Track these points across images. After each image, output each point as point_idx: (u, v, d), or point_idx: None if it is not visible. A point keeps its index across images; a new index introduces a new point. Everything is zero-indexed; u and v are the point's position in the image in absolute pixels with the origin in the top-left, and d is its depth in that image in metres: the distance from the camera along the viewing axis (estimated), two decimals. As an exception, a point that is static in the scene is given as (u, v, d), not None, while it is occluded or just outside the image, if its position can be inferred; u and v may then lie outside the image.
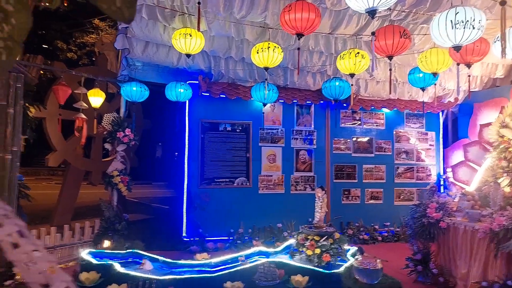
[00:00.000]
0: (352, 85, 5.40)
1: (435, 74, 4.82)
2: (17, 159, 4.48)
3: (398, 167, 7.72)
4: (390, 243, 7.10)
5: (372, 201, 7.53)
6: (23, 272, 0.49)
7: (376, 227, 7.30)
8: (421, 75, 5.32)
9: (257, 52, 4.82)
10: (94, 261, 3.39)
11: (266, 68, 4.98)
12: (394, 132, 7.75)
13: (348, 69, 4.98)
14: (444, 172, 7.77)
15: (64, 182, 8.04)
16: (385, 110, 7.59)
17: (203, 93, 6.34)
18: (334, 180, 7.33)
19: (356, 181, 7.44)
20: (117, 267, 3.27)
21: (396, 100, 7.51)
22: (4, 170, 4.31)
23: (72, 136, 7.34)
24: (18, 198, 4.72)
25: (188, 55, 4.96)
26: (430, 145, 7.96)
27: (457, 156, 7.35)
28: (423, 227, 4.87)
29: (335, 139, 7.39)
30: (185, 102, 6.33)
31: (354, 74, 5.04)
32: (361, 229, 7.15)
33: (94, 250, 3.82)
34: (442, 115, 8.06)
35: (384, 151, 7.67)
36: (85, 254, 3.52)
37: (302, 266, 3.55)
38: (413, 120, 7.88)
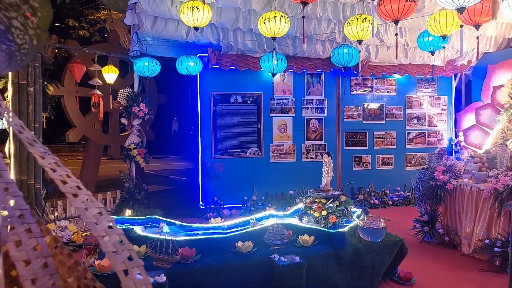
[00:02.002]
0: (360, 51, 5.40)
1: (444, 37, 4.77)
2: (39, 135, 4.78)
3: (409, 133, 7.75)
4: (401, 207, 7.26)
5: (383, 167, 7.63)
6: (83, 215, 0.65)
7: (387, 192, 7.44)
8: (430, 38, 5.26)
9: (264, 22, 4.85)
10: (116, 225, 3.68)
11: (274, 38, 5.02)
12: (406, 98, 7.72)
13: (355, 35, 4.97)
14: (456, 136, 7.76)
15: (85, 157, 8.43)
16: (397, 76, 7.54)
17: (213, 66, 6.44)
18: (345, 148, 7.43)
19: (367, 147, 7.53)
20: (137, 230, 3.55)
21: (407, 65, 7.43)
22: (29, 145, 4.62)
23: (90, 113, 7.65)
24: (44, 172, 5.04)
25: (196, 28, 5.03)
26: (442, 109, 7.90)
27: (469, 119, 7.31)
28: (431, 190, 5.00)
29: (346, 106, 7.44)
30: (196, 75, 6.46)
31: (362, 41, 5.03)
32: (372, 194, 7.31)
33: (116, 217, 4.12)
34: (455, 78, 7.94)
35: (396, 117, 7.68)
36: (108, 220, 3.81)
37: (308, 227, 3.76)
38: (425, 85, 7.80)
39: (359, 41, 5.02)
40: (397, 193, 7.52)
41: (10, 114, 0.79)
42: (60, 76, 7.47)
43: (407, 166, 7.73)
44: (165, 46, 6.33)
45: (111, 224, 0.66)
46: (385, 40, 6.74)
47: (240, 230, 3.68)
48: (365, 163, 7.55)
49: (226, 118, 6.77)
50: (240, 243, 3.37)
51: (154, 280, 2.79)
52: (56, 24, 19.66)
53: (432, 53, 5.38)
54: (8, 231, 0.61)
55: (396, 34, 4.49)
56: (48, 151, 0.75)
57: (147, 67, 5.87)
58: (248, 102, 6.87)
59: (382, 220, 3.74)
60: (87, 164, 8.23)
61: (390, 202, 7.30)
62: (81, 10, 18.20)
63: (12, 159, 4.59)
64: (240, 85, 6.79)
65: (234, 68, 6.54)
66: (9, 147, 4.64)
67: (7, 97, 4.67)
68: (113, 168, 10.16)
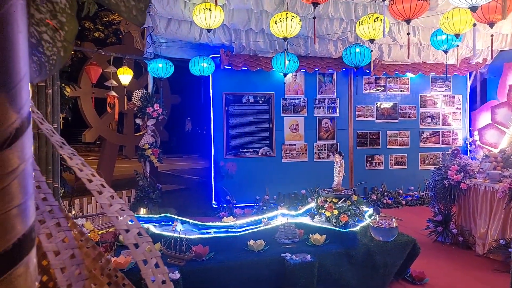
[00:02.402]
0: (372, 50, 5.39)
1: (457, 35, 4.73)
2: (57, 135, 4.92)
3: (423, 132, 7.68)
4: (414, 207, 7.20)
5: (396, 167, 7.58)
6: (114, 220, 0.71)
7: (400, 191, 7.39)
8: (443, 37, 5.21)
9: (275, 23, 4.89)
10: (131, 223, 3.77)
11: (285, 38, 5.05)
12: (420, 97, 7.65)
13: (367, 35, 4.97)
14: (471, 135, 7.65)
15: (100, 156, 8.62)
16: (410, 74, 7.47)
17: (225, 67, 6.51)
18: (357, 147, 7.41)
19: (379, 147, 7.50)
20: (152, 228, 3.64)
21: (421, 64, 7.37)
22: (47, 146, 4.76)
23: (105, 113, 7.81)
24: (61, 171, 5.19)
25: (209, 30, 5.10)
26: (457, 108, 7.81)
27: (484, 118, 7.20)
28: (444, 189, 4.96)
29: (358, 106, 7.41)
30: (209, 76, 6.54)
31: (374, 40, 5.02)
32: (385, 194, 7.27)
33: (131, 215, 4.22)
34: (470, 77, 7.83)
35: (409, 116, 7.62)
36: (123, 218, 3.91)
37: (320, 226, 3.79)
38: (439, 84, 7.72)
39: (371, 41, 5.01)
40: (410, 193, 7.46)
41: (42, 119, 0.86)
42: (77, 78, 7.66)
43: (420, 165, 7.66)
44: (178, 48, 6.43)
45: (131, 218, 0.72)
46: (397, 39, 6.70)
47: (252, 229, 3.73)
48: (378, 163, 7.52)
49: (238, 118, 6.84)
50: (252, 242, 3.42)
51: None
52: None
53: (446, 51, 5.33)
54: (40, 224, 0.68)
55: (408, 34, 4.46)
56: (75, 152, 0.81)
57: (160, 68, 5.98)
58: (260, 102, 6.92)
59: (394, 219, 3.74)
60: (102, 164, 8.41)
61: (404, 202, 7.25)
62: (97, 12, 18.50)
63: (32, 159, 4.74)
64: (252, 85, 6.84)
65: (246, 68, 6.60)
66: (29, 147, 4.79)
67: (26, 99, 4.82)
68: (128, 168, 10.34)
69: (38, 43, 0.66)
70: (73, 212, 5.37)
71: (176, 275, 2.89)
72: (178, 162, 16.43)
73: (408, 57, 4.63)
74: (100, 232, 5.63)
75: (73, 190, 6.44)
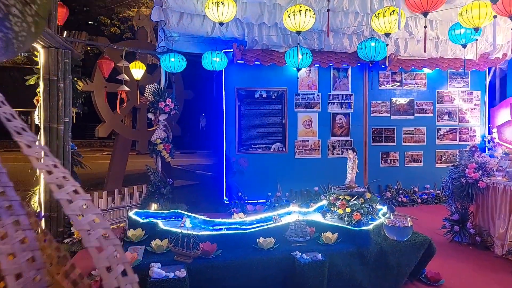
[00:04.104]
0: (387, 45, 5.23)
1: (476, 29, 4.54)
2: (68, 129, 4.94)
3: (440, 129, 7.46)
4: (430, 205, 7.02)
5: (412, 164, 7.40)
6: (83, 236, 0.62)
7: (416, 189, 7.22)
8: (462, 31, 5.02)
9: (289, 16, 4.79)
10: (140, 219, 3.75)
11: (299, 32, 4.94)
12: (437, 93, 7.43)
13: (383, 28, 4.82)
14: (489, 132, 7.40)
15: (113, 151, 8.67)
16: (427, 70, 7.26)
17: (238, 61, 6.43)
18: (372, 144, 7.26)
19: (394, 144, 7.32)
20: (160, 224, 3.60)
21: (438, 59, 7.14)
22: (58, 140, 4.79)
23: (120, 107, 7.82)
24: (72, 165, 5.22)
25: (221, 24, 5.03)
26: (475, 105, 7.55)
27: (504, 115, 6.95)
28: (462, 188, 4.79)
29: (373, 102, 7.25)
30: (221, 71, 6.47)
31: (390, 34, 4.87)
32: (400, 191, 7.10)
33: (140, 211, 4.20)
34: (489, 73, 7.56)
35: (425, 113, 7.41)
36: (132, 214, 3.89)
37: (332, 224, 3.69)
38: (457, 80, 7.48)
39: (387, 34, 4.86)
40: (426, 191, 7.27)
41: (2, 102, 0.79)
42: (91, 73, 7.70)
43: (437, 163, 7.46)
44: (190, 42, 6.39)
45: (98, 217, 0.64)
46: (414, 33, 6.50)
47: (262, 226, 3.66)
48: (393, 160, 7.35)
49: (250, 113, 6.76)
50: (261, 239, 3.35)
51: (174, 275, 2.82)
52: (89, 22, 20.32)
53: (464, 46, 5.13)
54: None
55: (425, 27, 4.29)
56: (37, 140, 0.74)
57: (173, 63, 5.94)
58: (273, 97, 6.82)
59: (408, 218, 3.63)
60: (115, 159, 8.46)
61: (419, 200, 7.07)
62: (113, 7, 18.70)
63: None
64: (264, 80, 6.75)
65: (259, 63, 6.51)
66: (40, 141, 4.82)
67: (38, 92, 4.86)
68: (141, 163, 10.40)
69: (4, 17, 0.60)
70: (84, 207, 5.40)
71: (183, 273, 2.85)
72: (192, 158, 16.50)
73: (425, 51, 4.46)
74: (111, 227, 5.69)
75: (84, 186, 6.48)
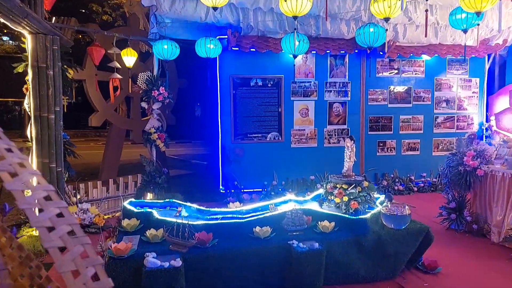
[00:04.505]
0: (387, 30, 5.11)
1: (478, 14, 4.43)
2: (60, 118, 4.81)
3: (437, 117, 7.41)
4: (426, 193, 7.00)
5: (409, 152, 7.36)
6: (18, 198, 0.50)
7: (412, 178, 7.19)
8: (463, 15, 4.90)
9: (285, 0, 4.63)
10: (134, 209, 3.67)
11: (295, 17, 4.80)
12: (435, 80, 7.35)
13: (382, 13, 4.69)
14: (487, 120, 7.36)
15: (107, 141, 8.55)
16: (425, 57, 7.16)
17: (232, 48, 6.29)
18: (369, 132, 7.19)
19: (392, 132, 7.26)
20: (155, 214, 3.53)
21: (437, 45, 7.04)
22: (49, 129, 4.66)
23: (114, 96, 7.67)
24: (65, 155, 5.11)
25: (215, 8, 4.87)
26: (474, 92, 7.49)
27: (502, 103, 6.90)
28: (459, 176, 4.76)
29: (371, 90, 7.16)
30: (216, 58, 6.33)
31: (389, 18, 4.74)
32: (396, 180, 7.07)
33: (135, 200, 4.12)
34: (488, 59, 7.48)
35: (423, 101, 7.34)
36: (126, 203, 3.81)
37: (329, 213, 3.64)
38: (456, 67, 7.40)
39: (386, 19, 4.72)
40: (422, 179, 7.25)
41: None
42: (82, 61, 7.52)
43: (434, 151, 7.43)
44: (184, 28, 6.22)
45: (63, 211, 0.55)
46: (414, 19, 6.38)
47: (258, 215, 3.60)
48: (389, 148, 7.30)
49: (246, 102, 6.65)
50: (258, 228, 3.30)
51: (169, 264, 2.76)
52: (80, 10, 19.89)
53: (465, 31, 5.02)
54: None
55: (426, 10, 4.18)
56: None
57: (166, 50, 5.79)
58: (269, 85, 6.71)
59: (406, 206, 3.58)
60: (109, 148, 8.34)
61: (415, 189, 7.06)
62: (104, -6, 18.29)
63: (34, 142, 4.65)
64: (260, 68, 6.62)
65: (254, 50, 6.37)
66: (31, 130, 4.70)
67: (27, 80, 4.71)
68: (136, 153, 10.28)
69: None
70: (78, 197, 5.31)
71: (178, 262, 2.79)
72: (187, 148, 16.39)
73: (426, 36, 4.35)
74: (106, 217, 5.60)
75: (79, 176, 6.38)
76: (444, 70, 7.37)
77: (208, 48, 5.75)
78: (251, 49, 6.35)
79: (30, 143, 4.77)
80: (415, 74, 7.28)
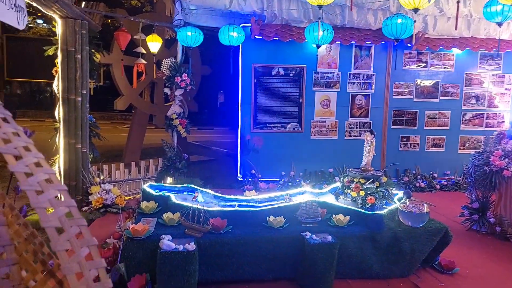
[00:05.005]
0: (415, 21, 4.94)
1: (515, 5, 4.22)
2: (86, 101, 4.97)
3: (465, 113, 7.15)
4: (449, 192, 6.81)
5: (433, 149, 7.15)
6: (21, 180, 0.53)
7: (435, 175, 7.00)
8: (498, 7, 4.67)
9: (310, -12, 4.56)
10: (153, 192, 3.77)
11: (320, 6, 4.71)
12: (465, 75, 7.07)
13: (411, 3, 4.53)
14: (520, 118, 7.05)
15: (131, 124, 8.76)
16: (456, 50, 6.88)
17: (255, 36, 6.24)
18: (392, 126, 7.03)
19: (416, 127, 7.07)
20: (173, 198, 3.61)
21: (469, 38, 6.74)
22: (76, 111, 4.82)
23: (138, 81, 7.83)
24: (90, 136, 5.27)
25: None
26: (506, 89, 7.16)
27: (537, 101, 6.56)
28: (484, 175, 4.60)
29: (396, 83, 6.97)
30: (238, 46, 6.31)
31: (418, 9, 4.58)
32: (418, 176, 6.91)
33: (154, 184, 4.23)
34: (525, 54, 7.11)
35: (451, 96, 7.09)
36: (146, 186, 3.91)
37: (344, 206, 3.61)
38: (488, 61, 7.08)
39: (415, 10, 4.57)
40: (446, 177, 7.05)
41: None
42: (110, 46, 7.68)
43: (460, 149, 7.19)
44: (208, 16, 6.22)
45: (62, 194, 0.57)
46: (445, 10, 6.12)
47: (272, 204, 3.62)
48: (413, 144, 7.12)
49: (267, 91, 6.62)
50: (271, 218, 3.32)
51: (184, 248, 2.83)
52: (110, -5, 20.20)
53: (500, 24, 4.79)
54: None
55: (458, 2, 4.01)
56: (0, 105, 0.66)
57: (190, 37, 5.82)
58: (291, 75, 6.64)
59: (425, 205, 3.51)
60: (133, 132, 8.54)
61: (438, 186, 6.87)
62: (133, -20, 18.47)
63: (61, 123, 4.83)
64: (283, 57, 6.56)
65: (277, 39, 6.29)
66: (59, 111, 4.87)
67: (57, 63, 4.87)
68: (159, 137, 10.48)
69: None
70: (102, 177, 5.49)
71: (192, 246, 2.86)
72: (209, 134, 16.55)
73: (456, 29, 4.17)
74: (127, 198, 5.77)
75: (103, 157, 6.57)
76: (475, 65, 7.07)
77: (231, 36, 5.74)
78: (274, 38, 6.28)
79: (58, 124, 4.95)
80: (444, 68, 7.02)
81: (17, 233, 0.69)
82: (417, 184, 6.79)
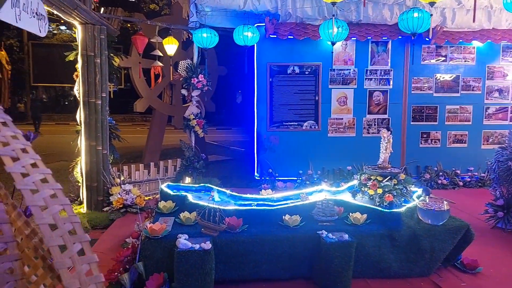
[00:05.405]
0: (431, 15, 4.83)
1: (537, -5, 4.06)
2: (106, 104, 5.09)
3: (488, 107, 6.93)
4: (473, 189, 6.63)
5: (455, 145, 6.97)
6: (26, 195, 0.56)
7: (458, 172, 6.82)
8: (520, -3, 4.51)
9: (324, -14, 4.53)
10: (170, 192, 3.84)
11: (334, 3, 4.68)
12: (487, 68, 6.86)
13: (427, -4, 4.44)
14: (546, 112, 6.77)
15: (151, 126, 8.92)
16: (476, 43, 6.68)
17: (270, 35, 6.25)
18: (412, 123, 6.89)
19: (436, 123, 6.91)
20: (190, 197, 3.66)
21: (490, 30, 6.53)
22: (96, 114, 4.96)
23: (155, 84, 7.97)
24: (110, 138, 5.40)
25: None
26: (531, 81, 6.91)
27: None
28: (509, 171, 4.46)
29: (415, 78, 6.83)
30: (253, 46, 6.33)
31: (435, 3, 4.48)
32: (440, 173, 6.75)
33: (172, 184, 4.30)
34: (550, 45, 6.83)
35: (473, 90, 6.89)
36: (163, 186, 3.99)
37: (361, 205, 3.57)
38: (512, 53, 6.84)
39: (431, 4, 4.48)
40: (469, 173, 6.86)
41: None
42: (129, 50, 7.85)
43: (483, 144, 6.98)
44: (223, 17, 6.27)
45: (56, 193, 0.60)
46: (463, 2, 5.96)
47: (288, 203, 3.62)
48: (434, 140, 6.96)
49: (282, 89, 6.62)
50: (287, 217, 3.32)
51: (200, 247, 2.87)
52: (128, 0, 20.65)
53: (522, 14, 4.63)
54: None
55: (476, -7, 3.90)
56: (1, 110, 0.70)
57: (205, 38, 5.88)
58: (306, 73, 6.61)
59: (445, 202, 3.43)
60: (152, 133, 8.71)
61: (461, 183, 6.70)
62: (152, -16, 18.79)
63: (82, 126, 4.97)
64: (298, 55, 6.54)
65: (292, 37, 6.28)
66: (80, 115, 5.02)
67: (78, 68, 5.01)
68: (178, 138, 10.64)
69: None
70: (122, 178, 5.62)
71: (208, 245, 2.89)
72: (227, 134, 16.67)
73: (474, 21, 4.05)
74: (146, 198, 5.89)
75: (123, 158, 6.72)
76: (497, 57, 6.84)
77: (246, 36, 5.77)
78: (289, 37, 6.27)
79: (79, 127, 5.10)
80: (465, 61, 6.82)
81: (19, 230, 0.73)
82: (439, 181, 6.64)
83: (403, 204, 3.65)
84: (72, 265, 0.53)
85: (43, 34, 3.63)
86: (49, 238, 0.52)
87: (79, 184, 5.29)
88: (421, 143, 6.96)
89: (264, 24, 6.12)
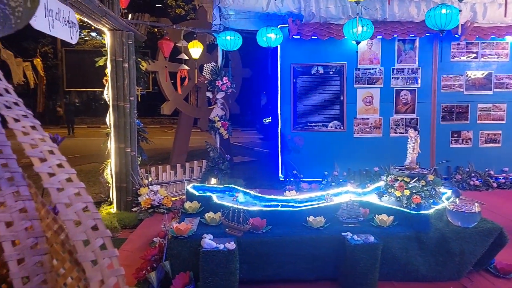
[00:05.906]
0: (460, 11, 4.68)
1: None
2: (134, 107, 5.25)
3: (524, 105, 6.62)
4: (508, 190, 6.34)
5: (488, 144, 6.70)
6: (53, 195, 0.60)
7: (491, 172, 6.55)
8: (557, -11, 4.29)
9: (347, -15, 4.49)
10: (196, 193, 3.92)
11: (358, 2, 4.63)
12: (522, 64, 6.55)
13: (456, -8, 4.31)
14: None
15: (177, 128, 9.10)
16: (510, 38, 6.39)
17: (293, 36, 6.24)
18: (441, 122, 6.68)
19: (468, 122, 6.66)
20: (214, 198, 3.72)
21: (525, 24, 6.25)
22: (124, 117, 5.13)
23: (181, 87, 8.13)
24: (138, 140, 5.57)
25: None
26: None
27: None
28: (546, 173, 4.23)
29: (444, 76, 6.62)
30: (277, 47, 6.34)
31: (464, -2, 4.35)
32: (472, 174, 6.51)
33: (197, 184, 4.38)
34: None
35: (507, 87, 6.60)
36: (189, 187, 4.07)
37: (387, 206, 3.50)
38: (550, 48, 6.50)
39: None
40: (504, 174, 6.57)
41: None
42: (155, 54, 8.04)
43: (519, 143, 6.67)
44: (247, 19, 6.33)
45: (80, 191, 0.64)
46: (497, -4, 5.73)
47: (313, 204, 3.61)
48: (465, 140, 6.72)
49: (306, 90, 6.58)
50: (311, 218, 3.31)
51: (224, 247, 2.92)
52: (157, 5, 21.19)
53: (559, 7, 4.40)
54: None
55: (508, -14, 3.74)
56: (30, 115, 0.75)
57: (229, 41, 5.95)
58: (331, 73, 6.55)
59: (476, 204, 3.31)
60: (178, 135, 8.87)
61: (495, 184, 6.42)
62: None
63: (112, 128, 5.15)
64: (322, 56, 6.49)
65: (316, 37, 6.24)
66: (110, 118, 5.20)
67: (107, 73, 5.20)
68: (204, 140, 10.79)
69: (1, -7, 0.61)
70: (150, 179, 5.77)
71: (232, 245, 2.93)
72: (252, 135, 16.75)
73: (505, 15, 3.89)
74: (173, 199, 6.02)
75: (151, 160, 6.90)
76: (534, 52, 6.53)
77: (269, 37, 5.78)
78: (313, 37, 6.23)
79: (109, 129, 5.29)
80: (498, 57, 6.55)
81: (48, 226, 0.78)
82: (471, 182, 6.40)
83: (431, 206, 3.55)
84: (94, 258, 0.57)
85: (74, 41, 3.80)
86: (73, 233, 0.56)
87: (109, 185, 5.47)
88: (451, 143, 6.73)
89: (287, 25, 6.12)
